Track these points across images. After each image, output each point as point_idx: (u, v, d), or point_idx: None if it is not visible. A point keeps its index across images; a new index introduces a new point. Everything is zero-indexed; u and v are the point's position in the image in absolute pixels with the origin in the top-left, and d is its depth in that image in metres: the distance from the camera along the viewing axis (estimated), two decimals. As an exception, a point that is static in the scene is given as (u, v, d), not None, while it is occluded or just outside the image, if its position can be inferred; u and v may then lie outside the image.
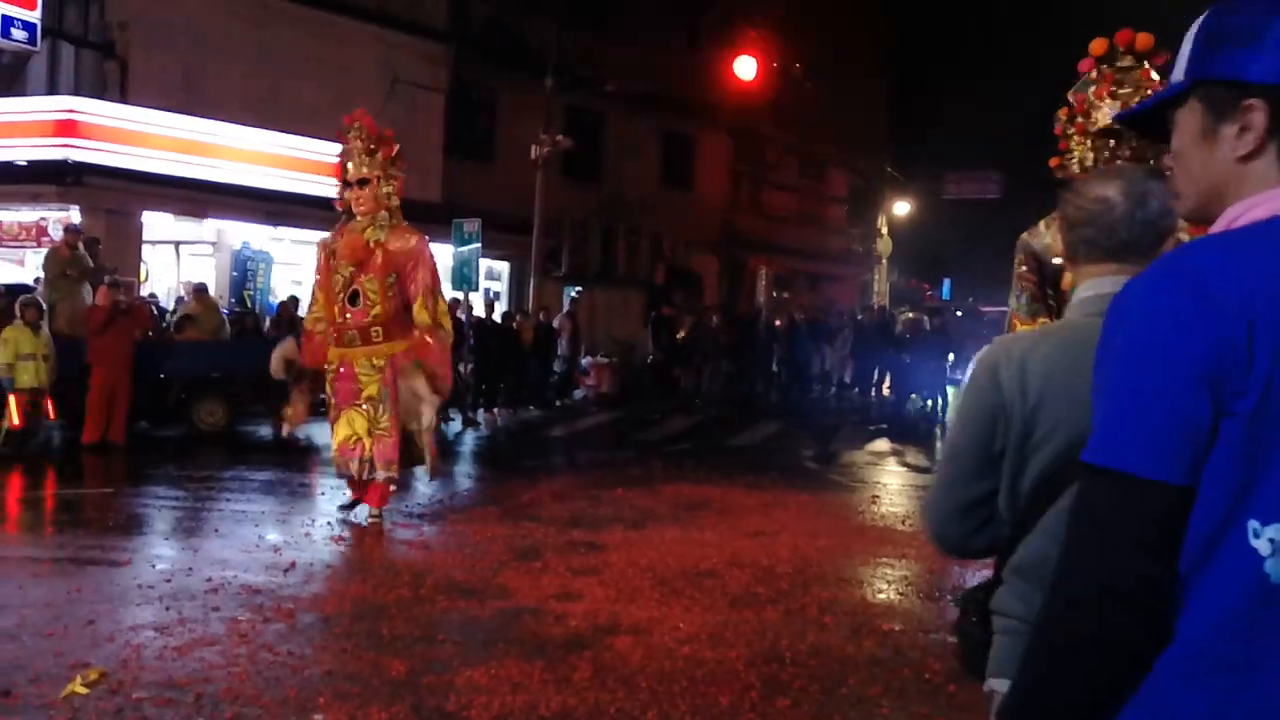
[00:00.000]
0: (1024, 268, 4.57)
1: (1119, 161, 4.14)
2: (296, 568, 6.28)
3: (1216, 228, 1.30)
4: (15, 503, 8.57)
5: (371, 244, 7.55)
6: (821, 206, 31.58)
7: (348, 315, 7.63)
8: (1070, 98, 4.49)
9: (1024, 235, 4.61)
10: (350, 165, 7.65)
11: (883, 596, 6.17)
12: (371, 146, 7.64)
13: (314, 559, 6.55)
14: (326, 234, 8.28)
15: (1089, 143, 4.36)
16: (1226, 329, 1.15)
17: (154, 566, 6.12)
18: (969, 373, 1.91)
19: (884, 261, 33.19)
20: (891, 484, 10.82)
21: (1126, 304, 1.24)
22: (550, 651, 4.83)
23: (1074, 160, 4.41)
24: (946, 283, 39.46)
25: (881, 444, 13.86)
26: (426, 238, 7.95)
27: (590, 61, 20.42)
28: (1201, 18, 1.33)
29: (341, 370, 7.68)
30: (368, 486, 7.74)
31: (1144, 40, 4.37)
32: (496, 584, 6.01)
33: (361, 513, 7.79)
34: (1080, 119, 4.41)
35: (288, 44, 17.26)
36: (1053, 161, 4.54)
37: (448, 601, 5.63)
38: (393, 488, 7.87)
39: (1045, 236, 4.47)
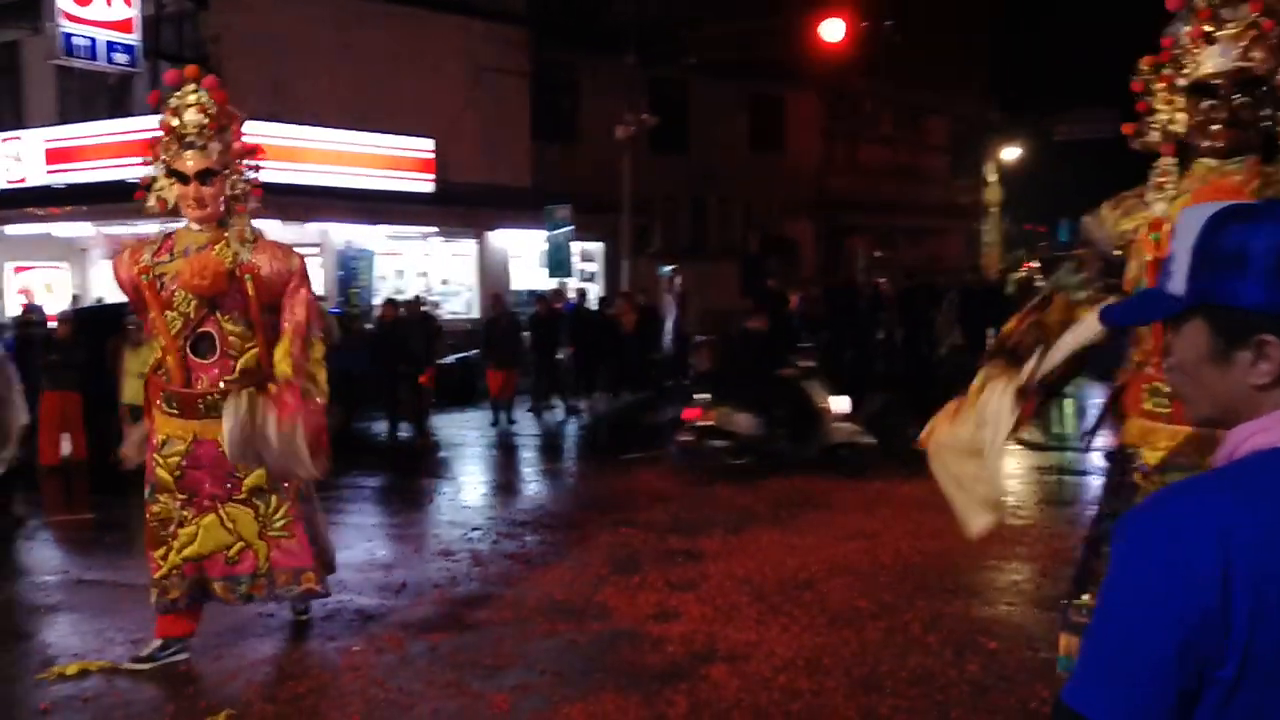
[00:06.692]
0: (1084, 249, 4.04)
1: (1215, 126, 3.29)
2: (407, 588, 6.48)
3: (1221, 454, 1.29)
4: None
5: (235, 268, 5.17)
6: (921, 158, 30.72)
7: (196, 373, 5.16)
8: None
9: (1086, 219, 3.82)
10: (186, 149, 5.11)
11: (989, 609, 6.03)
12: (221, 122, 5.21)
13: (423, 578, 6.73)
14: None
15: (1177, 101, 3.43)
16: (1203, 598, 1.15)
17: (270, 596, 6.35)
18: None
19: (993, 211, 32.12)
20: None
21: (1126, 549, 1.23)
22: (646, 683, 4.87)
23: (1158, 125, 3.50)
24: (1063, 226, 37.50)
25: (989, 414, 13.47)
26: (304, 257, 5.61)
27: (671, 33, 20.19)
28: (1197, 231, 1.26)
29: (196, 453, 5.16)
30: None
31: None
32: (596, 602, 6.09)
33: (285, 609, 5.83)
34: (1167, 69, 3.45)
35: (372, 43, 17.55)
36: (1126, 127, 3.57)
37: (548, 624, 5.72)
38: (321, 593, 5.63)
39: (1109, 224, 3.65)
